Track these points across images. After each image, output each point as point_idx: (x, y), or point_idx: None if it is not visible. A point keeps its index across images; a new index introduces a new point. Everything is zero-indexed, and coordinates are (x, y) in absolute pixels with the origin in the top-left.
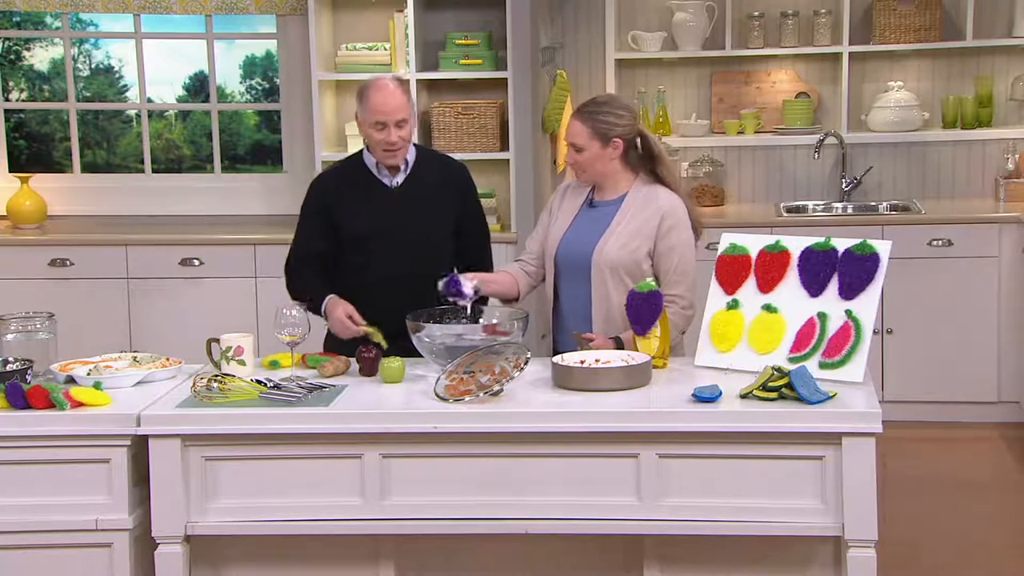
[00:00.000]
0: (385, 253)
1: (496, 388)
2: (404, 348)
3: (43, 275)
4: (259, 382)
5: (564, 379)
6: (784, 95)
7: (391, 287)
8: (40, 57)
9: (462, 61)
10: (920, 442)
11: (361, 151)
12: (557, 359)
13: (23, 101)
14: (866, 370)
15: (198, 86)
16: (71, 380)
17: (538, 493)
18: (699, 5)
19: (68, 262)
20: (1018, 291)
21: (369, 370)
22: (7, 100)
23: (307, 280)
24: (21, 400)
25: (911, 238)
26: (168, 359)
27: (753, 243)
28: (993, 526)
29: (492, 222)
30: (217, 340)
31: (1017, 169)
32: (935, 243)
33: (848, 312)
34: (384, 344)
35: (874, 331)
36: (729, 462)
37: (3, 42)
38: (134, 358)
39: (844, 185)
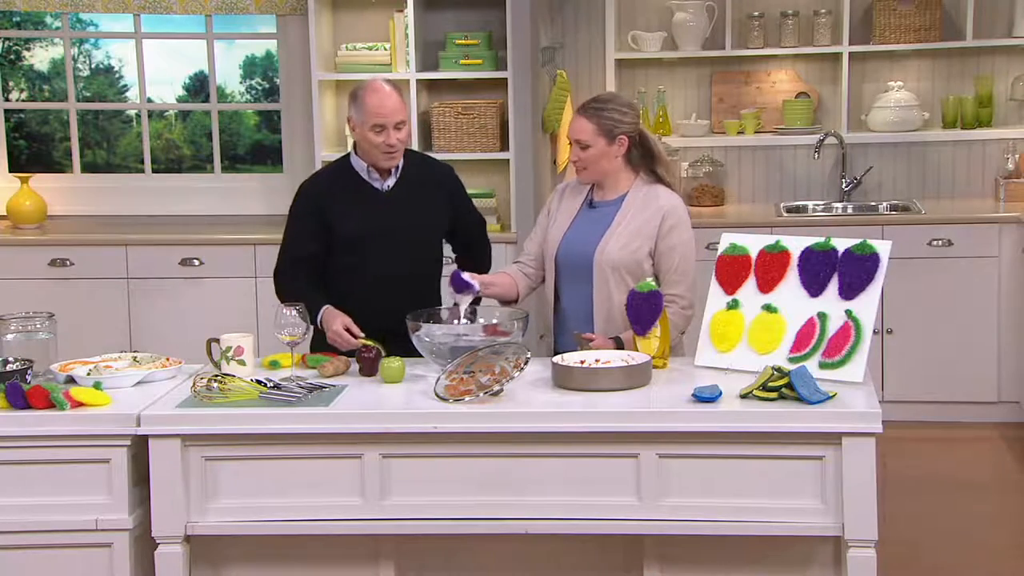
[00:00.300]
0: (378, 255)
1: (496, 388)
2: (404, 348)
3: (43, 275)
4: (259, 382)
5: (564, 379)
6: (784, 95)
7: (385, 288)
8: (40, 57)
9: (462, 61)
10: (920, 442)
11: (347, 156)
12: (557, 359)
13: (23, 101)
14: (866, 370)
15: (198, 86)
16: (71, 380)
17: (538, 493)
18: (699, 5)
19: (68, 262)
20: (1018, 291)
21: (369, 370)
22: (7, 100)
23: (299, 286)
24: (21, 400)
25: (911, 238)
26: (168, 359)
27: (753, 243)
28: (993, 526)
29: (492, 222)
30: (217, 340)
31: (1017, 169)
32: (935, 243)
33: (848, 312)
34: (384, 351)
35: (874, 331)
36: (729, 462)
37: (3, 42)
38: (134, 358)
39: (844, 185)
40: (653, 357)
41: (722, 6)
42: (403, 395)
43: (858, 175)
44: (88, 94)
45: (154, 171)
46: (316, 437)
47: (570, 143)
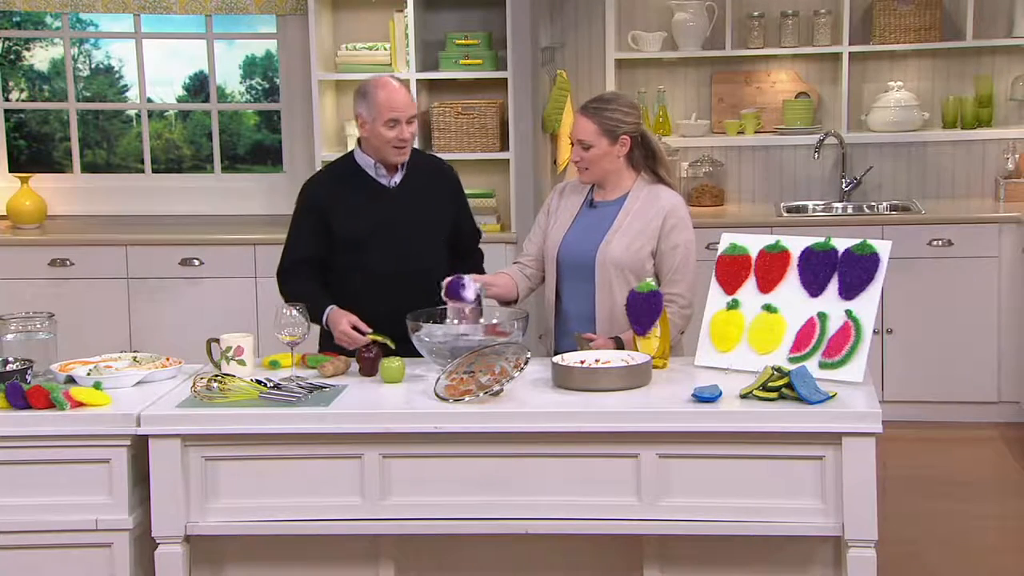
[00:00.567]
0: (384, 252)
1: (496, 388)
2: (405, 348)
3: (43, 275)
4: (259, 382)
5: (564, 379)
6: (784, 95)
7: (390, 285)
8: (40, 57)
9: (462, 61)
10: (920, 442)
11: (351, 153)
12: (557, 359)
13: (23, 101)
14: (866, 370)
15: (198, 86)
16: (71, 380)
17: (538, 493)
18: (699, 5)
19: (68, 262)
20: (1018, 291)
21: (369, 370)
22: (7, 100)
23: (303, 286)
24: (21, 400)
25: (911, 238)
26: (168, 359)
27: (753, 243)
28: (993, 526)
29: (492, 222)
30: (217, 340)
31: (1017, 169)
32: (935, 243)
33: (848, 312)
34: (392, 344)
35: (874, 331)
36: (729, 462)
37: (3, 42)
38: (134, 358)
39: (844, 185)
40: (653, 357)
41: (722, 6)
42: (403, 395)
43: (858, 175)
44: (88, 94)
45: (154, 171)
46: (316, 437)
47: (572, 143)
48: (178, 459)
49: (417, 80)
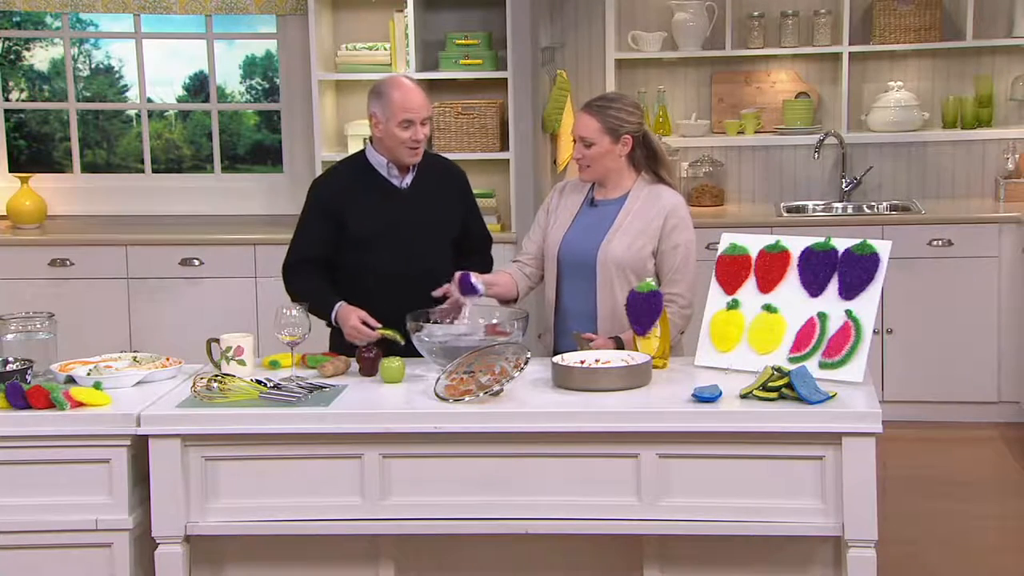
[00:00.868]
0: (395, 252)
1: (496, 388)
2: (406, 348)
3: (43, 275)
4: (259, 382)
5: (564, 379)
6: (784, 95)
7: (399, 285)
8: (40, 57)
9: (462, 61)
10: (920, 442)
11: (363, 152)
12: (557, 359)
13: (23, 101)
14: (866, 370)
15: (198, 86)
16: (71, 380)
17: (538, 493)
18: (699, 5)
19: (68, 262)
20: (1018, 291)
21: (369, 370)
22: (7, 100)
23: (310, 283)
24: (21, 400)
25: (911, 238)
26: (168, 359)
27: (753, 243)
28: (993, 526)
29: (492, 222)
30: (217, 340)
31: (1017, 169)
32: (935, 243)
33: (848, 312)
34: (401, 340)
35: (874, 331)
36: (729, 462)
37: (3, 42)
38: (134, 358)
39: (844, 185)
40: (653, 357)
41: (722, 6)
42: (403, 395)
43: (858, 175)
44: (88, 94)
45: (154, 171)
46: (316, 437)
47: (574, 140)
48: (178, 459)
49: (417, 80)
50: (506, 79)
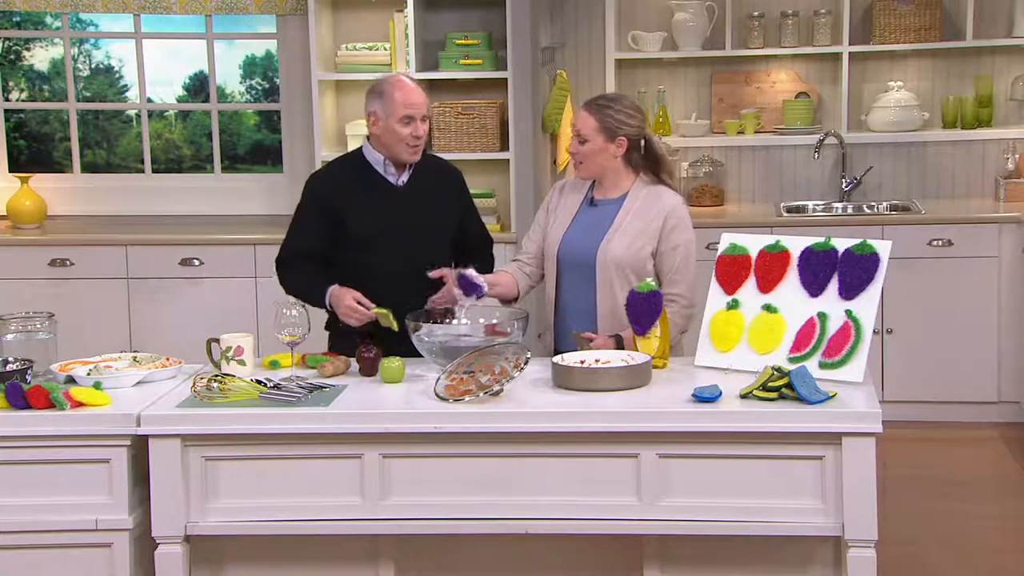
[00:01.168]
0: (391, 250)
1: (496, 388)
2: (406, 348)
3: (43, 275)
4: (259, 382)
5: (564, 379)
6: (784, 95)
7: (395, 284)
8: (40, 57)
9: (462, 61)
10: (920, 442)
11: (359, 149)
12: (557, 359)
13: (23, 101)
14: (866, 370)
15: (198, 86)
16: (71, 380)
17: (538, 493)
18: (699, 5)
19: (68, 262)
20: (1018, 291)
21: (369, 370)
22: (7, 100)
23: (303, 274)
24: (21, 400)
25: (911, 238)
26: (168, 359)
27: (753, 243)
28: (993, 526)
29: (492, 222)
30: (217, 340)
31: (1017, 169)
32: (935, 243)
33: (848, 312)
34: (395, 326)
35: (874, 331)
36: (729, 462)
37: (3, 42)
38: (134, 358)
39: (844, 185)
40: (653, 357)
41: (722, 6)
42: (403, 395)
43: (858, 175)
44: (88, 94)
45: (154, 171)
46: (316, 437)
47: (572, 135)
48: (178, 459)
49: (417, 80)
50: (506, 79)
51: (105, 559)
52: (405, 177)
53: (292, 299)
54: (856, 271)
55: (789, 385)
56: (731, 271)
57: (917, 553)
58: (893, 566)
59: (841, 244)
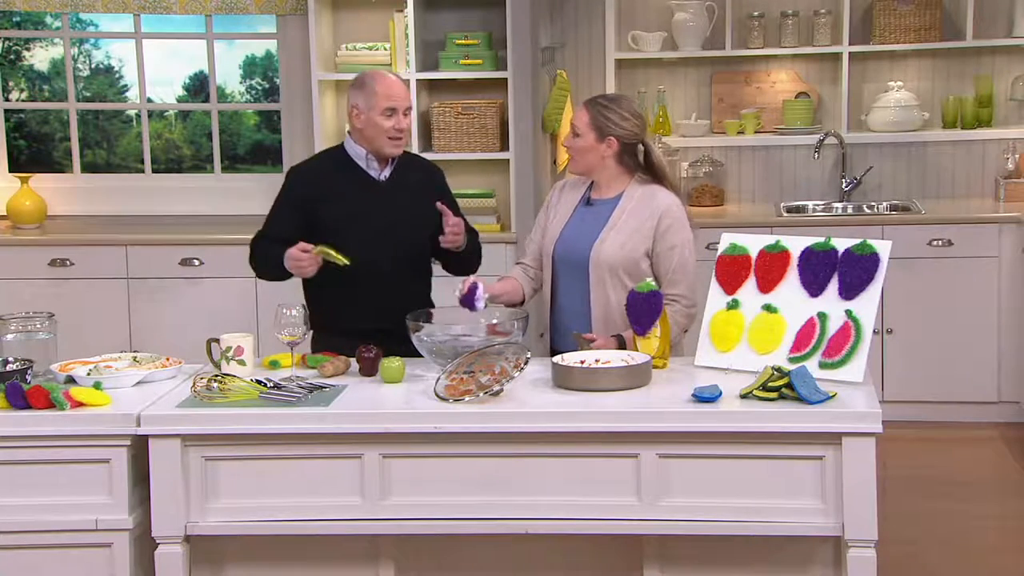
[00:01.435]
0: (373, 245)
1: (496, 388)
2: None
3: (43, 275)
4: (259, 382)
5: (564, 379)
6: (784, 95)
7: (377, 279)
8: (40, 57)
9: (462, 61)
10: (920, 442)
11: (341, 144)
12: (557, 359)
13: (23, 101)
14: (866, 370)
15: (198, 86)
16: (71, 380)
17: (538, 493)
18: (699, 5)
19: (68, 262)
20: (1018, 291)
21: (369, 370)
22: (7, 100)
23: (268, 250)
24: (21, 400)
25: (911, 238)
26: (168, 359)
27: (753, 243)
28: (993, 526)
29: (492, 222)
30: (217, 340)
31: (1017, 169)
32: (935, 243)
33: (848, 312)
34: (341, 261)
35: (874, 331)
36: (729, 462)
37: (3, 42)
38: (134, 358)
39: (844, 185)
40: (653, 357)
41: (722, 6)
42: (403, 395)
43: (858, 175)
44: (88, 94)
45: (154, 171)
46: (316, 437)
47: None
48: (178, 459)
49: (417, 80)
50: (506, 79)
51: (105, 559)
52: (387, 172)
53: (297, 301)
54: (856, 271)
55: (789, 385)
56: (731, 271)
57: (917, 553)
58: (893, 566)
59: (841, 244)
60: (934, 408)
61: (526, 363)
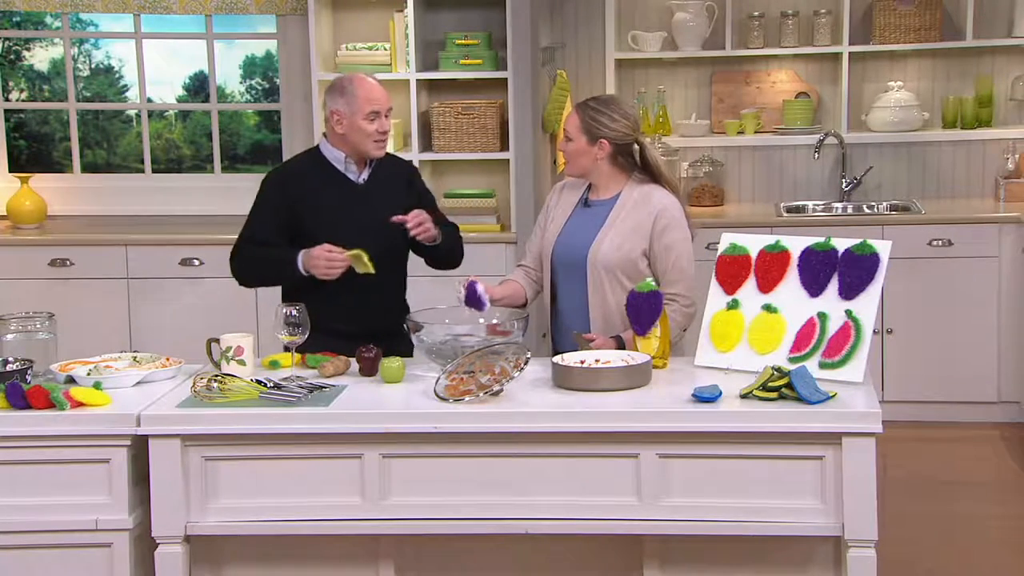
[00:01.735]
0: (354, 247)
1: (496, 388)
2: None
3: (43, 275)
4: (259, 382)
5: (564, 379)
6: (784, 95)
7: (361, 280)
8: (40, 57)
9: (462, 61)
10: (920, 442)
11: (316, 148)
12: (557, 359)
13: (23, 101)
14: (866, 370)
15: (198, 86)
16: (71, 380)
17: (538, 493)
18: (699, 5)
19: (68, 262)
20: (1018, 291)
21: (369, 370)
22: (7, 100)
23: (264, 252)
24: (21, 400)
25: (911, 238)
26: (168, 359)
27: (753, 243)
28: (993, 526)
29: (492, 222)
30: (217, 340)
31: (1017, 169)
32: (935, 243)
33: (848, 312)
34: (372, 267)
35: (874, 331)
36: (729, 462)
37: (3, 42)
38: (134, 358)
39: (844, 185)
40: (653, 357)
41: (722, 6)
42: (403, 395)
43: (858, 175)
44: (88, 94)
45: (154, 171)
46: (316, 437)
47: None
48: (178, 459)
49: (417, 80)
50: (506, 79)
51: (105, 559)
52: (366, 174)
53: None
54: (856, 271)
55: (789, 385)
56: (731, 271)
57: (917, 553)
58: (893, 566)
59: (841, 244)
60: (934, 408)
61: (526, 363)
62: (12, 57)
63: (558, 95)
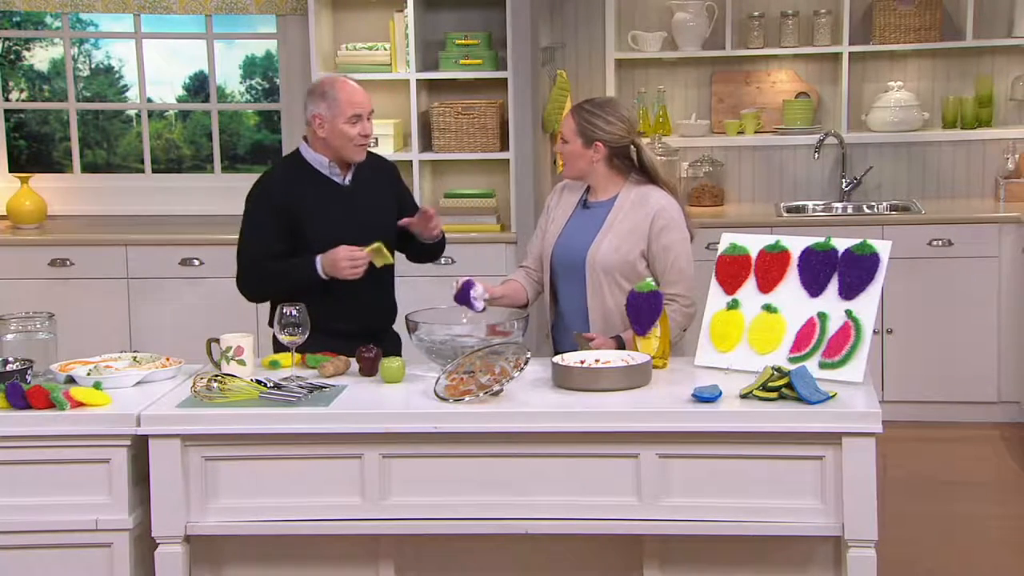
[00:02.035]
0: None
1: (496, 388)
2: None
3: (43, 275)
4: (259, 382)
5: (564, 379)
6: (784, 95)
7: (352, 282)
8: (40, 57)
9: (462, 61)
10: (920, 442)
11: (296, 153)
12: (557, 359)
13: (23, 101)
14: (866, 370)
15: (198, 86)
16: (71, 380)
17: (538, 493)
18: (699, 5)
19: (68, 262)
20: (1018, 291)
21: (369, 370)
22: (7, 100)
23: (277, 264)
24: (21, 400)
25: (911, 238)
26: (168, 359)
27: (753, 243)
28: (993, 526)
29: (492, 222)
30: (217, 340)
31: (1017, 169)
32: (935, 243)
33: (848, 312)
34: (391, 258)
35: (874, 331)
36: (729, 462)
37: (3, 42)
38: (134, 358)
39: (844, 185)
40: (653, 357)
41: (722, 6)
42: (403, 395)
43: (858, 175)
44: (88, 94)
45: (154, 171)
46: (316, 437)
47: None
48: (178, 459)
49: (417, 80)
50: (506, 79)
51: (105, 559)
52: (349, 177)
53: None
54: (856, 271)
55: (789, 385)
56: (731, 271)
57: (917, 553)
58: (893, 566)
59: (841, 244)
60: (934, 408)
61: (526, 363)
62: (12, 57)
63: (558, 95)
